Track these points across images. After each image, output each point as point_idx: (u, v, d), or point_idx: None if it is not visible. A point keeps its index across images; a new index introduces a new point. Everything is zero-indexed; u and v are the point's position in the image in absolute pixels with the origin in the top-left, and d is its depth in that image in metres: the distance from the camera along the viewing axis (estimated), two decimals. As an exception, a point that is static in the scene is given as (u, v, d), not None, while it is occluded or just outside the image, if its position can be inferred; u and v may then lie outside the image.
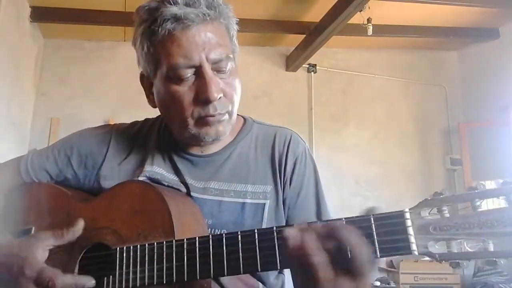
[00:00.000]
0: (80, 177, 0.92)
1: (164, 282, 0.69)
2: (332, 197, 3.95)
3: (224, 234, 0.67)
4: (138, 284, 0.72)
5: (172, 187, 0.86)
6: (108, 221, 0.80)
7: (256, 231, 0.65)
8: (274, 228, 0.64)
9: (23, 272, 0.71)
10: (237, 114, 0.93)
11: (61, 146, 0.95)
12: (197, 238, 0.69)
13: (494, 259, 0.53)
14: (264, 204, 0.86)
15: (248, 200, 0.85)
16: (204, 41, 0.77)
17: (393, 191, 4.12)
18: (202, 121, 0.80)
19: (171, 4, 0.75)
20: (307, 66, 4.24)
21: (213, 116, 0.80)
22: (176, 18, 0.75)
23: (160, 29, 0.76)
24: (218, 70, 0.79)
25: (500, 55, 3.99)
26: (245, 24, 3.84)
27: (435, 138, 4.38)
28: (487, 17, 3.78)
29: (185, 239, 0.70)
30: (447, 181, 4.28)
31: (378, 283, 3.61)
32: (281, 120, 4.02)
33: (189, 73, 0.78)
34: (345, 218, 0.60)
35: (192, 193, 0.85)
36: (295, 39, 3.90)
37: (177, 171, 0.88)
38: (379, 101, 4.35)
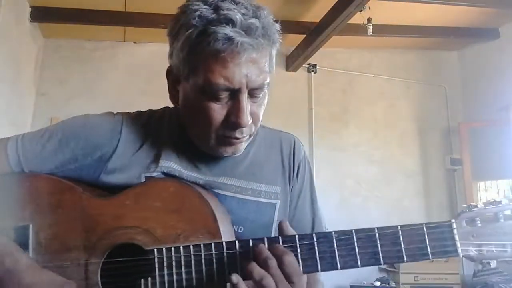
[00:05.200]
0: (84, 169, 0.84)
1: (216, 284, 0.70)
2: (332, 197, 3.94)
3: (280, 238, 0.71)
4: (184, 286, 0.70)
5: (194, 183, 0.85)
6: (137, 220, 0.76)
7: (314, 235, 0.71)
8: (314, 234, 0.71)
9: None
10: None
11: (62, 135, 0.85)
12: (250, 241, 0.71)
13: None
14: (275, 204, 0.89)
15: (262, 199, 0.88)
16: (249, 68, 0.75)
17: (393, 191, 4.12)
18: (224, 141, 0.81)
19: (227, 24, 0.72)
20: (307, 66, 4.24)
21: (237, 139, 0.81)
22: (230, 42, 0.71)
23: (208, 45, 0.73)
24: (253, 95, 0.80)
25: (500, 55, 3.99)
26: (245, 24, 3.84)
27: (435, 138, 4.38)
28: (487, 17, 3.78)
29: (236, 242, 0.71)
30: (447, 181, 4.28)
31: (378, 283, 3.61)
32: (281, 120, 4.01)
33: (225, 94, 0.77)
34: (400, 226, 0.69)
35: (213, 190, 0.85)
36: (295, 39, 3.89)
37: (196, 168, 0.87)
38: (379, 101, 4.35)
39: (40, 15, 3.48)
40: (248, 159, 0.91)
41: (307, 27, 3.72)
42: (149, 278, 0.71)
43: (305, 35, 3.78)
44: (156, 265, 0.71)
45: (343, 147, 4.17)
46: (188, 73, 0.79)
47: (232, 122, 0.78)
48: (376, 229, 0.70)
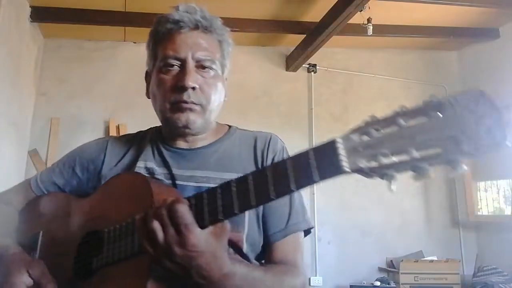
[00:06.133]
0: (84, 182, 1.04)
1: (137, 247, 0.76)
2: (332, 197, 3.94)
3: (192, 196, 0.73)
4: (123, 256, 0.79)
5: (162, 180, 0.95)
6: (102, 210, 0.90)
7: (218, 187, 0.72)
8: (218, 186, 0.72)
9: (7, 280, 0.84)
10: (225, 124, 1.07)
11: (66, 160, 1.09)
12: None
13: (422, 165, 0.55)
14: None
15: None
16: (194, 42, 0.94)
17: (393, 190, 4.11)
18: (176, 107, 0.92)
19: (175, 11, 0.95)
20: (307, 66, 4.24)
21: (185, 102, 0.91)
22: (175, 21, 0.94)
23: (162, 29, 0.95)
24: (201, 67, 0.94)
25: (500, 55, 3.99)
26: (245, 24, 3.85)
27: (435, 138, 4.37)
28: (487, 17, 3.78)
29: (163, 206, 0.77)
30: (447, 181, 4.28)
31: (378, 283, 3.61)
32: (281, 120, 4.03)
33: (174, 63, 0.93)
34: (290, 157, 0.66)
35: (177, 182, 0.93)
36: (295, 39, 3.90)
37: (165, 164, 0.97)
38: (379, 101, 4.34)
39: (40, 15, 3.48)
40: (218, 154, 0.99)
41: (307, 27, 3.72)
42: (100, 255, 0.83)
43: (305, 35, 3.78)
44: (105, 242, 0.83)
45: (343, 147, 4.16)
46: (153, 64, 0.98)
47: (179, 85, 0.91)
48: (269, 165, 0.70)
